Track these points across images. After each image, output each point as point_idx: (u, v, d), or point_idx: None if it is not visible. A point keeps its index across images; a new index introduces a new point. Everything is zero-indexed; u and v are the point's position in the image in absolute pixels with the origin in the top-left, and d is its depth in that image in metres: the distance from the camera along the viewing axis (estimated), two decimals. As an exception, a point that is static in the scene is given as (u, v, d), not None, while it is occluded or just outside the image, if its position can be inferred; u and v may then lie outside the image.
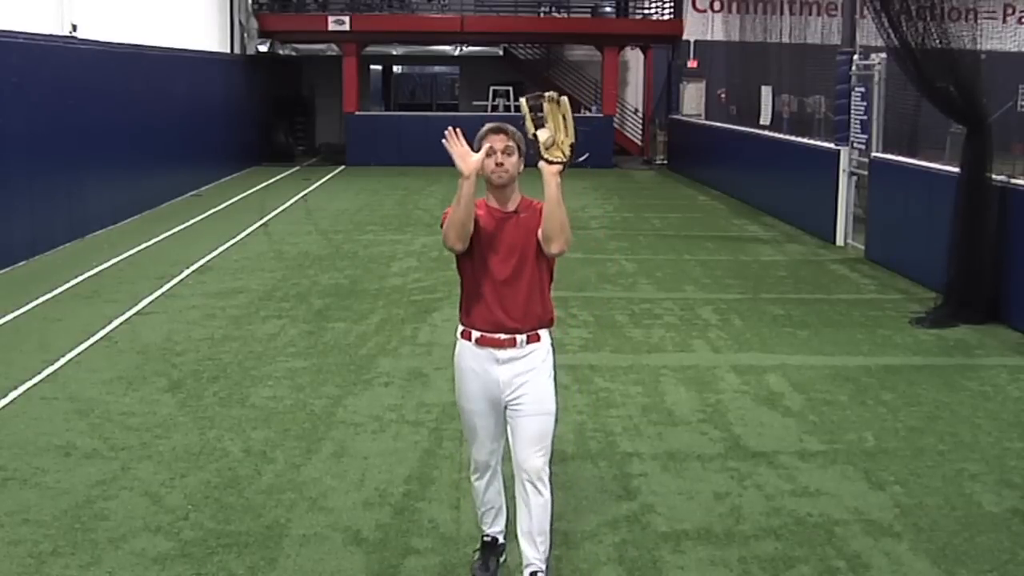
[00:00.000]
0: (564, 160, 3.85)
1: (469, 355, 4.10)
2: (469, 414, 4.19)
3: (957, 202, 9.40)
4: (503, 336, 4.02)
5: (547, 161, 3.85)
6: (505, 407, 4.09)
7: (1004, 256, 9.09)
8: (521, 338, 4.03)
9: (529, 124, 3.88)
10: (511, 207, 4.04)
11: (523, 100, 3.91)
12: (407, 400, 6.82)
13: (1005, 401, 6.99)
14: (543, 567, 4.09)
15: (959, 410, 6.75)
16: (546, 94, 3.89)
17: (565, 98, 3.90)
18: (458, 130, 3.91)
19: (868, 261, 12.19)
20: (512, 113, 26.00)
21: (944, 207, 9.67)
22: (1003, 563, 4.60)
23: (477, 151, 3.97)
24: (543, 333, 4.11)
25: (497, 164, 3.96)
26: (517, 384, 4.04)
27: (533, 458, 4.02)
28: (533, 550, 4.06)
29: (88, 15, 13.76)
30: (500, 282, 4.01)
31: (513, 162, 3.99)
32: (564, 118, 3.87)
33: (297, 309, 9.47)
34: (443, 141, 3.89)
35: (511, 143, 3.97)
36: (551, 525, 4.14)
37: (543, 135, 3.85)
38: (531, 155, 3.98)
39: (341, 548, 4.66)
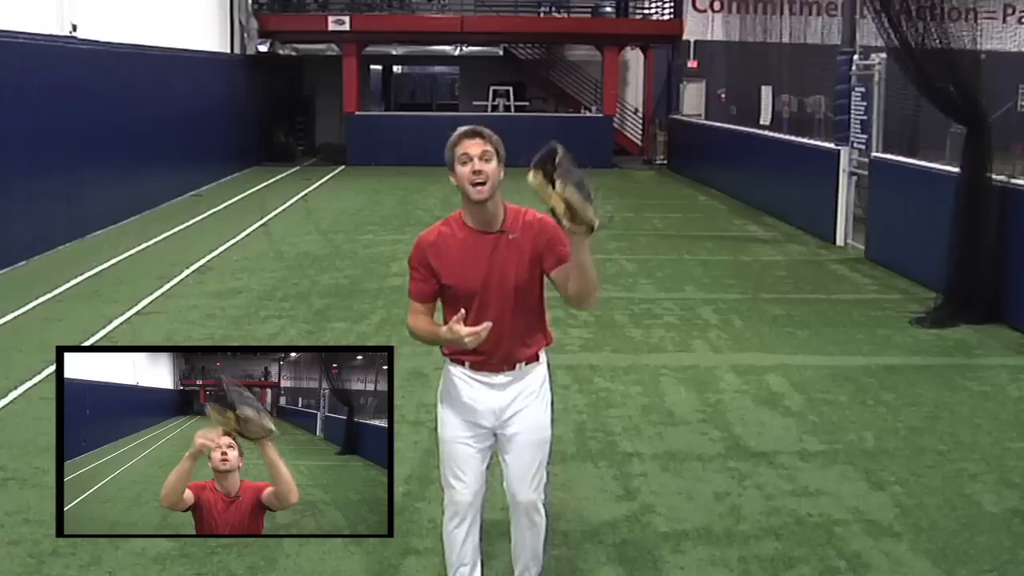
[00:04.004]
0: (592, 226, 3.16)
1: (461, 380, 3.69)
2: (455, 446, 3.73)
3: (957, 202, 9.40)
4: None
5: (574, 232, 3.17)
6: (496, 436, 3.73)
7: (1004, 256, 9.09)
8: (519, 362, 3.65)
9: (556, 205, 3.12)
10: (496, 225, 3.50)
11: (530, 176, 3.14)
12: (407, 400, 6.81)
13: (1005, 401, 6.99)
14: None
15: (959, 410, 6.75)
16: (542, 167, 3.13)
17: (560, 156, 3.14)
18: (489, 327, 3.33)
19: (868, 261, 12.19)
20: (514, 113, 26.01)
21: (944, 207, 9.66)
22: (1003, 563, 4.61)
23: (449, 159, 3.45)
24: (541, 353, 3.73)
25: (474, 172, 3.38)
26: (514, 411, 3.66)
27: (527, 491, 3.73)
28: (527, 573, 3.96)
29: (88, 15, 13.75)
30: (490, 315, 3.45)
31: (492, 169, 3.40)
32: (577, 185, 3.13)
33: (297, 309, 9.47)
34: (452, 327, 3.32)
35: (489, 147, 3.40)
36: (545, 549, 4.00)
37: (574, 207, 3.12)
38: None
39: (341, 548, 4.66)
